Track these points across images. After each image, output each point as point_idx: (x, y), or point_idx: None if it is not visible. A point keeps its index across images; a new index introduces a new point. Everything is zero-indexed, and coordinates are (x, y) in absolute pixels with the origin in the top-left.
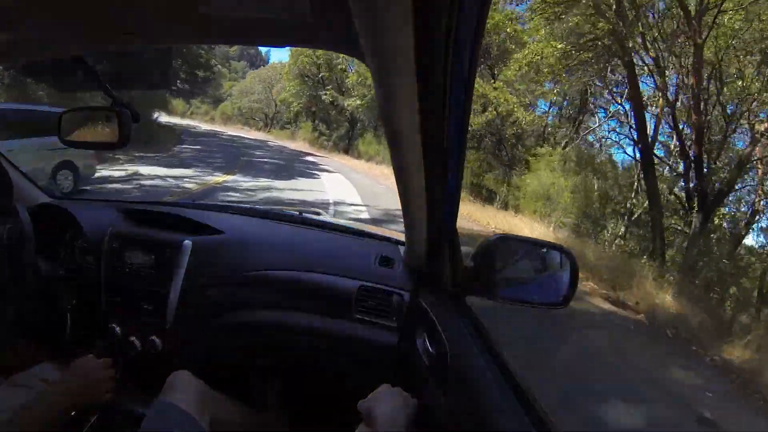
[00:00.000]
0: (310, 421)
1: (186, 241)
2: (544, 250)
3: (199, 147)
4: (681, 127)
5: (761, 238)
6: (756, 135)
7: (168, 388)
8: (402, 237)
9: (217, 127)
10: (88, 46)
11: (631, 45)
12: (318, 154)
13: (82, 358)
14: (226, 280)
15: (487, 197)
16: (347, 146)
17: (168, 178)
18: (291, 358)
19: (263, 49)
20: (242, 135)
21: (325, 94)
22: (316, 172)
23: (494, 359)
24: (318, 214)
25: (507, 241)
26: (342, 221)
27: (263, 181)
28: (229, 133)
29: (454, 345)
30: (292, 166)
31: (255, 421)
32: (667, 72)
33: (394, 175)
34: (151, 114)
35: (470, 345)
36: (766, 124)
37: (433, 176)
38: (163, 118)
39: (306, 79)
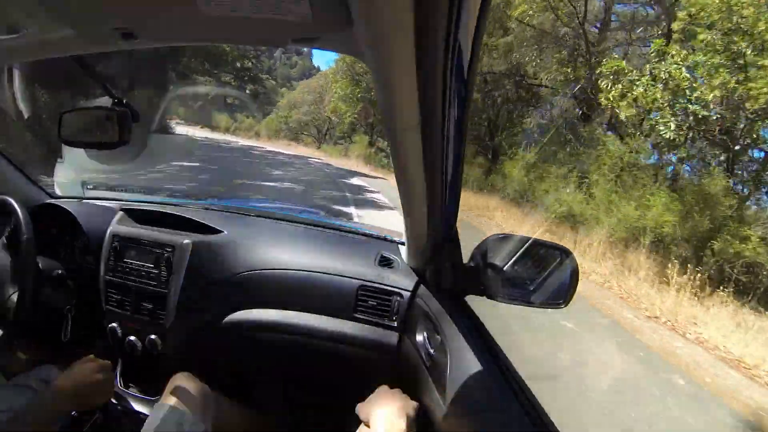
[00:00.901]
0: (310, 422)
1: (186, 241)
2: (544, 249)
3: (196, 164)
4: None
5: None
6: None
7: (170, 390)
8: (402, 237)
9: (260, 143)
10: (88, 46)
11: None
12: (372, 174)
13: (82, 360)
14: (226, 280)
15: (740, 285)
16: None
17: None
18: (291, 358)
19: (323, 68)
20: (282, 151)
21: None
22: (350, 209)
23: (494, 359)
24: (318, 213)
25: (507, 241)
26: (342, 221)
27: None
28: (268, 149)
29: (454, 345)
30: (311, 198)
31: (256, 422)
32: None
33: (395, 174)
34: (149, 124)
35: (470, 345)
36: None
37: (433, 176)
38: (201, 132)
39: (357, 78)
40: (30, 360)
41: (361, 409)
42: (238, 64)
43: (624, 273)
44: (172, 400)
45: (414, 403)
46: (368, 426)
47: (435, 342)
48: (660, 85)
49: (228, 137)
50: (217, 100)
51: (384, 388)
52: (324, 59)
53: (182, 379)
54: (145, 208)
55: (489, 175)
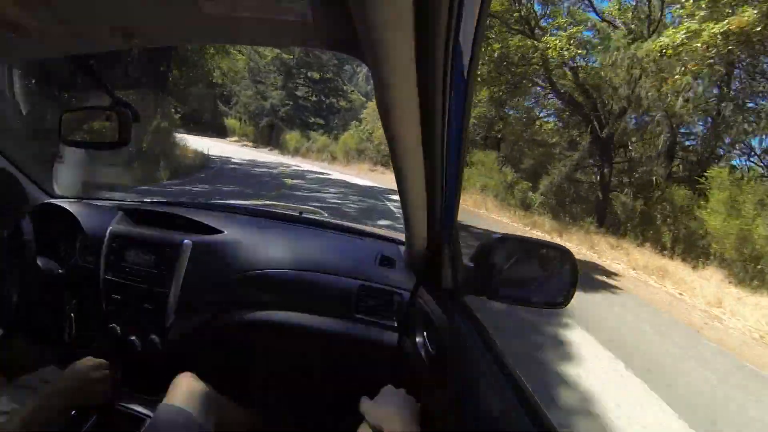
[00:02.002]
0: (311, 422)
1: (186, 241)
2: (544, 250)
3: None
4: None
5: None
6: None
7: (172, 391)
8: (402, 237)
9: (330, 168)
10: (88, 46)
11: None
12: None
13: (80, 360)
14: (226, 280)
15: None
16: (603, 213)
17: None
18: (291, 358)
19: None
20: (351, 180)
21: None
22: None
23: (494, 359)
24: (320, 213)
25: (506, 241)
26: (342, 221)
27: None
28: (335, 177)
29: (454, 345)
30: None
31: (258, 423)
32: None
33: (395, 175)
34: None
35: (470, 345)
36: None
37: (433, 176)
38: (239, 150)
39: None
40: (31, 359)
41: (369, 410)
42: (317, 76)
43: None
44: (175, 401)
45: (417, 404)
46: (371, 424)
47: (435, 342)
48: None
49: (286, 159)
50: (290, 116)
51: (390, 388)
52: None
53: (185, 380)
54: (145, 208)
55: None
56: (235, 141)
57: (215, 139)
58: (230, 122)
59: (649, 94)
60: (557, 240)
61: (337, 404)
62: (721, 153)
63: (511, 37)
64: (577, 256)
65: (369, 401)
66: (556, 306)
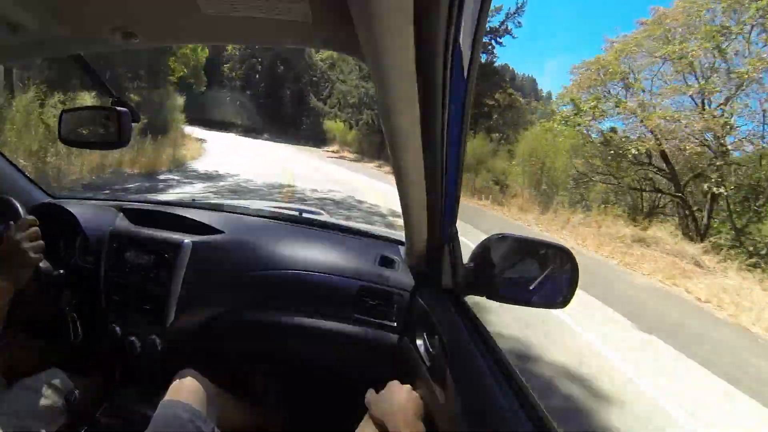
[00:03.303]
0: (311, 420)
1: (186, 241)
2: (544, 250)
3: None
4: None
5: None
6: None
7: (176, 386)
8: (402, 237)
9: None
10: (88, 46)
11: None
12: None
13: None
14: (226, 280)
15: None
16: None
17: None
18: (291, 359)
19: None
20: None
21: None
22: None
23: (494, 359)
24: (318, 214)
25: (507, 241)
26: (342, 221)
27: None
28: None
29: (454, 345)
30: None
31: (260, 419)
32: None
33: (394, 175)
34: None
35: (470, 345)
36: None
37: (433, 176)
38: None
39: None
40: (31, 361)
41: (374, 404)
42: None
43: None
44: (179, 396)
45: (422, 401)
46: (374, 417)
47: (435, 342)
48: None
49: (380, 184)
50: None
51: (395, 383)
52: None
53: (188, 376)
54: (145, 208)
55: None
56: (333, 152)
57: (309, 147)
58: (330, 125)
59: None
60: None
61: (337, 404)
62: None
63: None
64: None
65: (375, 394)
66: (556, 306)
